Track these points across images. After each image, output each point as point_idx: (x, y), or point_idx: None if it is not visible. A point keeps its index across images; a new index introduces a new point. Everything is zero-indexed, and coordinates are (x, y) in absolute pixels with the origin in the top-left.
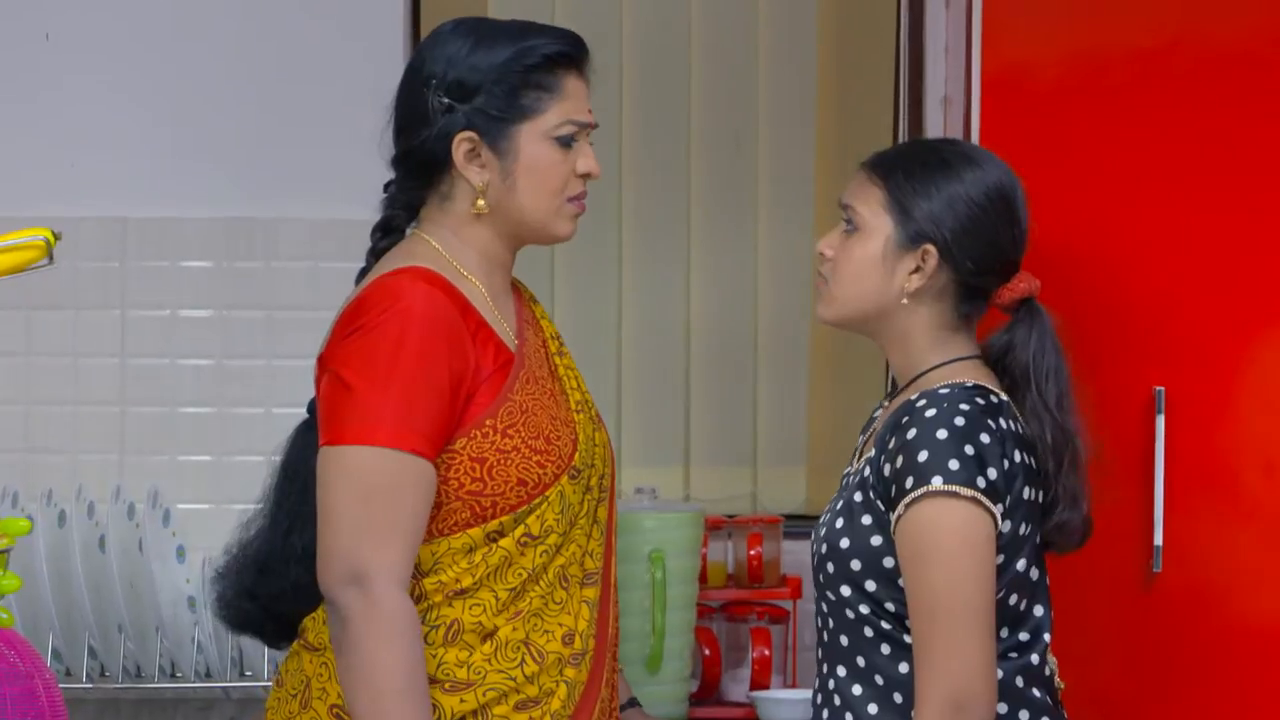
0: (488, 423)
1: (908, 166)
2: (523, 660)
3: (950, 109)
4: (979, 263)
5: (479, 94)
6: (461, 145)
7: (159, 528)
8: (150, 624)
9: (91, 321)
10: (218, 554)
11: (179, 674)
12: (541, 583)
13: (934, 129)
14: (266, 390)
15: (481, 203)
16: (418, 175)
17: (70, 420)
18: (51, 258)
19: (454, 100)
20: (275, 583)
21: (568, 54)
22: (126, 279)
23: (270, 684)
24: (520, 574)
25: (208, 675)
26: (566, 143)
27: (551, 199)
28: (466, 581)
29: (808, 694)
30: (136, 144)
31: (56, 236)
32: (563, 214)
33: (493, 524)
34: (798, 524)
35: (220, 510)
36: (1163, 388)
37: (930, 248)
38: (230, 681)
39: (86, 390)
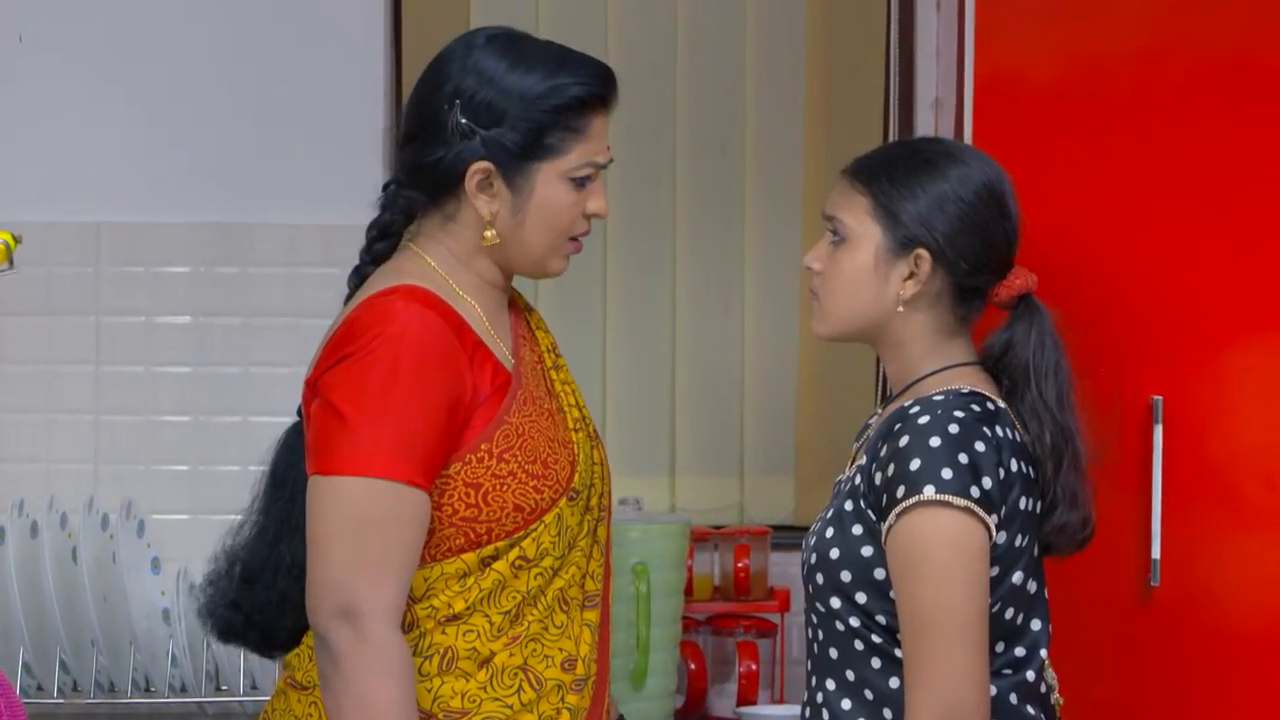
0: (483, 447)
1: (891, 170)
2: (520, 687)
3: (941, 112)
4: (974, 262)
5: (502, 124)
6: (475, 175)
7: (133, 539)
8: (124, 637)
9: (66, 328)
10: (194, 565)
11: (153, 689)
12: (539, 606)
13: (925, 133)
14: (244, 398)
15: (491, 234)
16: (424, 189)
17: (43, 429)
18: (12, 262)
19: (475, 125)
20: (261, 593)
21: (598, 95)
22: (101, 285)
23: (247, 699)
24: (515, 597)
25: (183, 690)
26: (582, 183)
27: (557, 238)
28: (459, 606)
29: (796, 710)
30: (112, 148)
31: (17, 240)
32: (560, 252)
33: (487, 549)
34: (786, 535)
35: (197, 521)
36: (1160, 397)
37: (923, 252)
38: (206, 696)
39: (60, 398)
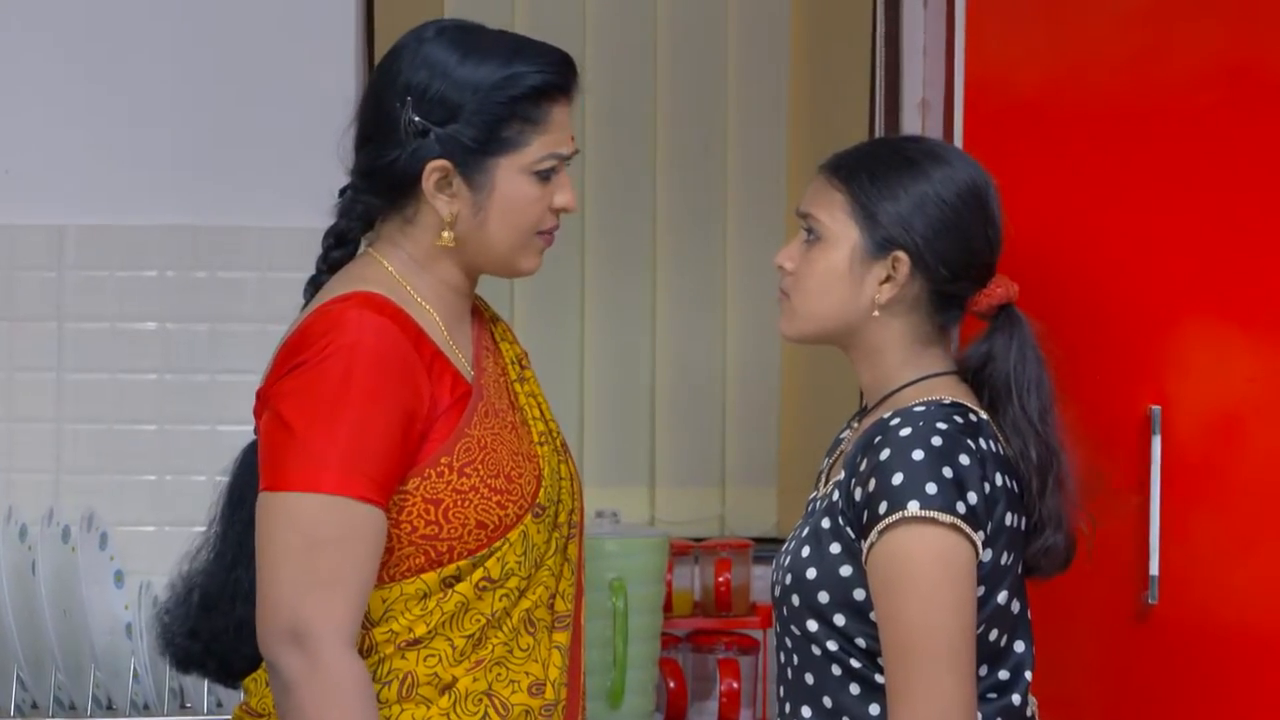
0: (443, 461)
1: (871, 168)
2: (485, 714)
3: (928, 113)
4: (954, 268)
5: (457, 119)
6: (433, 174)
7: (95, 551)
8: (84, 654)
9: (27, 334)
10: (159, 578)
11: (115, 707)
12: (504, 628)
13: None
14: (211, 406)
15: (448, 235)
16: (381, 194)
17: (3, 437)
18: None
19: (429, 122)
20: (218, 620)
21: (556, 84)
22: (64, 289)
23: (211, 717)
24: (479, 620)
25: (145, 708)
26: (545, 176)
27: (522, 234)
28: (420, 630)
29: None
30: (75, 149)
31: None
32: (530, 248)
33: (449, 568)
34: (768, 548)
35: (163, 533)
36: (1159, 407)
37: (901, 254)
38: (169, 715)
39: (21, 406)
